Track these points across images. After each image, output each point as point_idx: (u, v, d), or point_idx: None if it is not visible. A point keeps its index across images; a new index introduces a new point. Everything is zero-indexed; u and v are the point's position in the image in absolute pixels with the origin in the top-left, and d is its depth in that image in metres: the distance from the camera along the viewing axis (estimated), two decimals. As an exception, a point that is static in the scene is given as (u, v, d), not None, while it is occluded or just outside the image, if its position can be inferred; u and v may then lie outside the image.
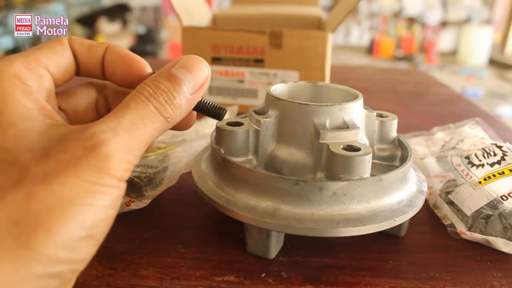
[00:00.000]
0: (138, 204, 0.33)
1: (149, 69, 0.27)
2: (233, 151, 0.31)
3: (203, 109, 0.28)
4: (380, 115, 0.35)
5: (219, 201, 0.29)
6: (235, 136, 0.31)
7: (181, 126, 0.28)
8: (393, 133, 0.35)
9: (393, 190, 0.29)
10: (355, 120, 0.31)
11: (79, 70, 0.27)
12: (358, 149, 0.28)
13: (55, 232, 0.19)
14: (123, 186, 0.21)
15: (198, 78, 0.26)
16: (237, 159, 0.31)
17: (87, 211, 0.20)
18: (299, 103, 0.30)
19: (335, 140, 0.29)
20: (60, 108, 0.27)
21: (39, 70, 0.24)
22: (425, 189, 0.32)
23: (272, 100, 0.32)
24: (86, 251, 0.20)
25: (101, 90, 0.29)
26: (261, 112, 0.32)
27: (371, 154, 0.27)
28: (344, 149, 0.28)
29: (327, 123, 0.30)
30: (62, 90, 0.27)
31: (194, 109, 0.27)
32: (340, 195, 0.27)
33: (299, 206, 0.27)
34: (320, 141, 0.29)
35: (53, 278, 0.19)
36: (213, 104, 0.28)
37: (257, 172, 0.28)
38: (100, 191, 0.20)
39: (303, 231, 0.26)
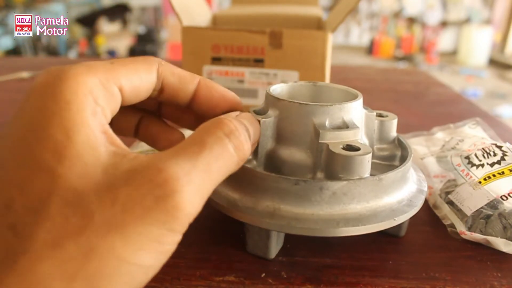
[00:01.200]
0: None
1: (241, 107, 0.28)
2: None
3: None
4: (380, 115, 0.35)
5: (219, 201, 0.29)
6: None
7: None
8: (393, 133, 0.35)
9: (393, 190, 0.29)
10: (355, 120, 0.31)
11: (162, 94, 0.26)
12: (357, 149, 0.28)
13: None
14: (180, 239, 0.20)
15: (256, 132, 0.27)
16: None
17: (140, 272, 0.18)
18: (299, 103, 0.30)
19: (335, 140, 0.29)
20: None
21: (113, 90, 0.21)
22: (425, 188, 0.32)
23: (272, 100, 0.32)
24: None
25: (144, 111, 0.30)
26: (260, 112, 0.32)
27: (370, 154, 0.27)
28: (343, 148, 0.28)
29: (327, 123, 0.30)
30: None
31: None
32: (340, 195, 0.27)
33: (299, 206, 0.27)
34: (319, 141, 0.29)
35: None
36: None
37: (257, 172, 0.28)
38: (160, 251, 0.18)
39: (303, 231, 0.26)
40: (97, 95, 0.20)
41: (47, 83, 0.19)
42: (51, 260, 0.16)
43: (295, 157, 0.30)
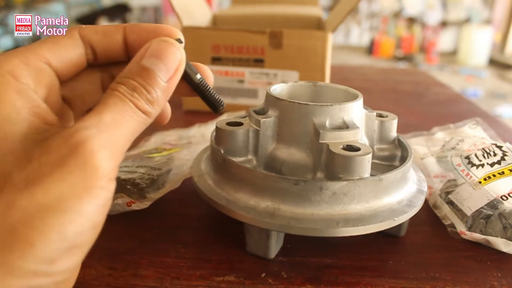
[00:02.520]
0: (139, 206, 0.33)
1: (179, 36, 0.26)
2: (233, 151, 0.31)
3: (204, 96, 0.28)
4: (380, 115, 0.35)
5: (219, 201, 0.29)
6: (235, 136, 0.31)
7: (158, 119, 0.27)
8: (393, 133, 0.35)
9: (393, 190, 0.29)
10: (355, 120, 0.31)
11: (96, 58, 0.26)
12: (357, 149, 0.28)
13: (34, 245, 0.17)
14: (111, 187, 0.20)
15: (171, 64, 0.24)
16: (237, 159, 0.31)
17: (71, 220, 0.18)
18: (299, 103, 0.30)
19: (335, 140, 0.29)
20: (65, 98, 0.26)
21: (38, 65, 0.23)
22: (425, 189, 0.32)
23: (272, 100, 0.32)
24: (70, 262, 0.19)
25: (106, 69, 0.28)
26: (261, 112, 0.32)
27: (370, 154, 0.27)
28: (343, 149, 0.28)
29: (327, 123, 0.30)
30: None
31: (197, 91, 0.28)
32: (340, 195, 0.27)
33: (299, 206, 0.27)
34: (320, 141, 0.29)
35: None
36: (215, 93, 0.28)
37: (257, 172, 0.28)
38: (87, 194, 0.19)
39: (303, 231, 0.26)
40: (18, 74, 0.21)
41: None
42: None
43: (295, 157, 0.30)
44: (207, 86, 0.28)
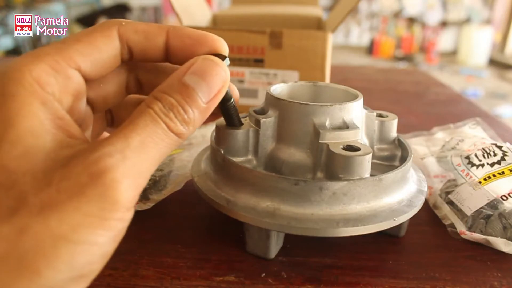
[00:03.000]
0: (142, 206, 0.33)
1: (225, 50, 0.25)
2: (233, 151, 0.31)
3: (229, 115, 0.28)
4: (380, 115, 0.35)
5: (219, 201, 0.29)
6: (235, 136, 0.31)
7: None
8: (393, 133, 0.35)
9: (393, 190, 0.29)
10: (355, 120, 0.31)
11: (131, 58, 0.24)
12: (357, 149, 0.28)
13: (41, 275, 0.17)
14: (129, 217, 0.19)
15: (214, 85, 0.22)
16: (237, 159, 0.31)
17: (82, 251, 0.18)
18: (299, 103, 0.30)
19: (335, 140, 0.29)
20: (87, 99, 0.24)
21: (67, 72, 0.21)
22: (425, 189, 0.32)
23: (272, 100, 0.32)
24: None
25: (133, 70, 0.27)
26: (260, 112, 0.32)
27: (370, 154, 0.27)
28: (343, 149, 0.28)
29: (327, 123, 0.30)
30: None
31: (223, 110, 0.27)
32: (340, 195, 0.27)
33: (298, 206, 0.27)
34: (320, 141, 0.29)
35: None
36: (237, 113, 0.29)
37: (256, 172, 0.28)
38: (102, 227, 0.18)
39: (303, 231, 0.26)
40: (45, 82, 0.20)
41: None
42: None
43: (295, 157, 0.30)
44: (235, 107, 0.27)
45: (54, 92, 0.20)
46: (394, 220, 0.28)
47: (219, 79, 0.23)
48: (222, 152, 0.31)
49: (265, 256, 0.29)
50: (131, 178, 0.19)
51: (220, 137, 0.31)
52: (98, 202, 0.18)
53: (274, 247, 0.29)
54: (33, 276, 0.17)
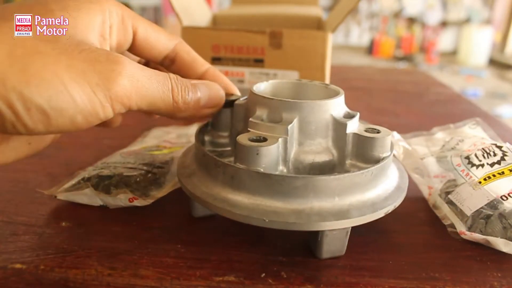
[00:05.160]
0: (141, 202, 0.33)
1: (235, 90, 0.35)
2: (269, 167, 0.28)
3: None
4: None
5: (213, 202, 0.29)
6: (269, 151, 0.28)
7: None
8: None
9: (375, 185, 0.29)
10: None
11: (171, 66, 0.33)
12: (378, 131, 0.30)
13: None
14: (105, 114, 0.24)
15: (213, 95, 0.30)
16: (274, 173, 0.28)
17: (65, 98, 0.22)
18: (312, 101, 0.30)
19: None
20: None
21: (127, 25, 0.29)
22: (406, 186, 0.32)
23: (259, 99, 0.31)
24: (36, 121, 0.22)
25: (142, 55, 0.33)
26: (271, 120, 0.30)
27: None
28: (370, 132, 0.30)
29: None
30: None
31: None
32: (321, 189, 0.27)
33: (278, 200, 0.27)
34: (347, 132, 0.30)
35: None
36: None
37: (237, 167, 0.28)
38: (92, 92, 0.22)
39: (282, 225, 0.26)
40: (112, 11, 0.27)
41: None
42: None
43: (319, 156, 0.31)
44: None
45: (112, 23, 0.27)
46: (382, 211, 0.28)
47: (217, 95, 0.31)
48: (262, 170, 0.28)
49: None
50: (131, 81, 0.24)
51: (245, 154, 0.28)
52: (100, 74, 0.23)
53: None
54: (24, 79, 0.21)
